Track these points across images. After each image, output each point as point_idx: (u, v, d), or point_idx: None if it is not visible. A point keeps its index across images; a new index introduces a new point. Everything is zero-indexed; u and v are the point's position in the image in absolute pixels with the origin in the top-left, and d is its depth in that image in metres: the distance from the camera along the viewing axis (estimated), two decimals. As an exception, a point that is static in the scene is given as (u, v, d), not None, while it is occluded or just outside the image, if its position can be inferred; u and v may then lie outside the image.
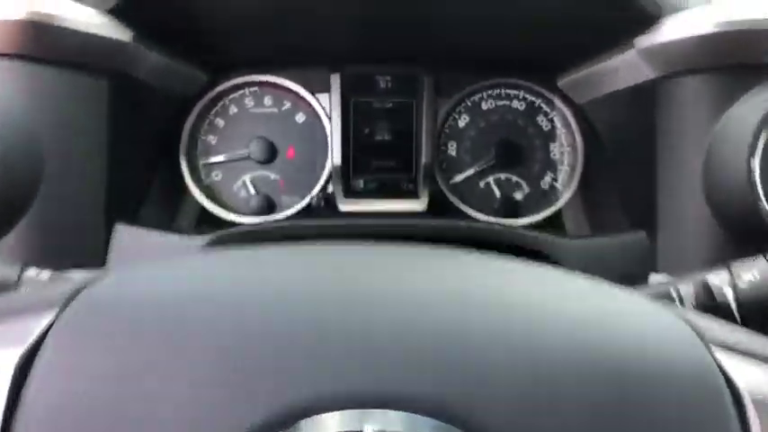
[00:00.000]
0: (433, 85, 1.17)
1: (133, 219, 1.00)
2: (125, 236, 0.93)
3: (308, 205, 1.15)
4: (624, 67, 0.96)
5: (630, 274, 0.93)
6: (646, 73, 0.92)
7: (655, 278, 0.95)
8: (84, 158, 0.90)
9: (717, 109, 0.84)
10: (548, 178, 1.19)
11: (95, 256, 0.91)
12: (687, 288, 0.60)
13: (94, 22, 0.86)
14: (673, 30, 0.86)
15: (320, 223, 0.98)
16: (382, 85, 1.20)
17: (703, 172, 0.85)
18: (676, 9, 0.87)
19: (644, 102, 0.94)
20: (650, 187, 0.94)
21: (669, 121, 0.91)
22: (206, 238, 0.93)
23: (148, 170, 1.07)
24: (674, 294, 0.61)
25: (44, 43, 0.84)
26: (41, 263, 0.87)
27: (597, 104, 1.08)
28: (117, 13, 0.88)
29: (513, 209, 1.17)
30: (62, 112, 0.88)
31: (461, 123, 1.20)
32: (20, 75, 0.84)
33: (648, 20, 0.88)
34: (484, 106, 1.20)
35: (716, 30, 0.81)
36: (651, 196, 0.94)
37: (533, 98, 1.20)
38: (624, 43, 0.93)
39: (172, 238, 0.93)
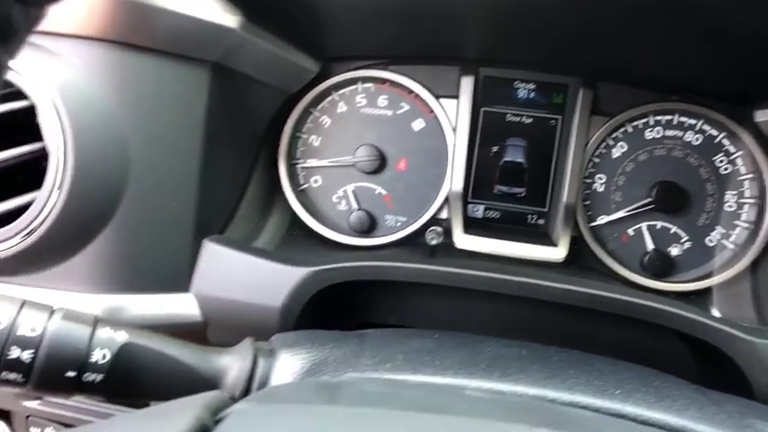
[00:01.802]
0: (589, 101, 0.94)
1: (222, 229, 0.87)
2: (212, 255, 0.80)
3: (416, 232, 0.98)
4: None
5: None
6: None
7: None
8: (176, 163, 0.77)
9: None
10: (716, 234, 0.95)
11: (177, 277, 0.79)
12: None
13: (197, 3, 0.71)
14: None
15: (433, 269, 0.80)
16: (522, 93, 0.98)
17: None
18: None
19: None
20: None
21: None
22: (303, 270, 0.78)
23: (244, 175, 0.93)
24: None
25: (137, 27, 0.69)
26: (116, 286, 0.76)
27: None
28: (223, -8, 0.72)
29: (664, 266, 0.95)
30: (154, 108, 0.74)
31: (616, 153, 0.97)
32: (107, 63, 0.70)
33: None
34: (648, 134, 0.96)
35: None
36: None
37: (715, 131, 0.94)
38: None
39: (266, 265, 0.80)
